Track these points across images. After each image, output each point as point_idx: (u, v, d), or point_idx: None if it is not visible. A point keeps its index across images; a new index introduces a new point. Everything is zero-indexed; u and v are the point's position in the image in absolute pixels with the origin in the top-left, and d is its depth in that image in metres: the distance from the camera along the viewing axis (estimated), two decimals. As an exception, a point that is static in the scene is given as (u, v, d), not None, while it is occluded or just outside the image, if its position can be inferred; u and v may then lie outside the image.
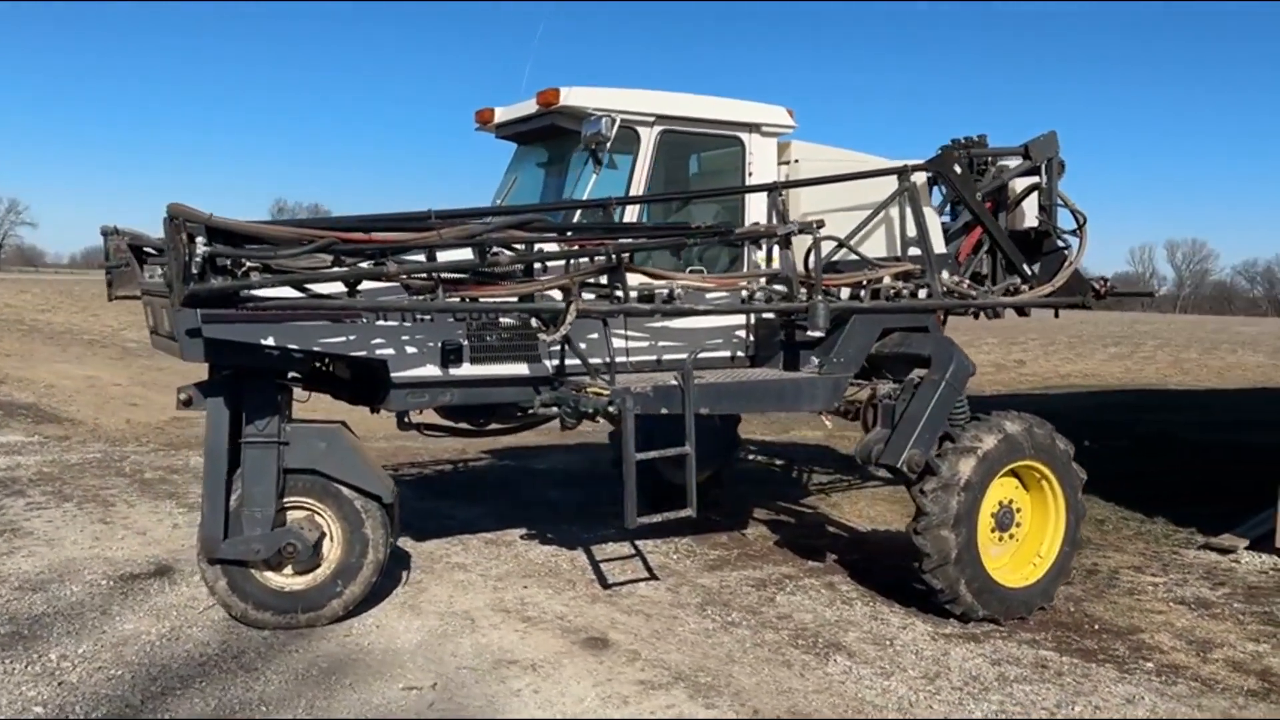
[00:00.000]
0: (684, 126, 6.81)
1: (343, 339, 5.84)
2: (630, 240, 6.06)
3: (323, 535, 6.16)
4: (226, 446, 5.93)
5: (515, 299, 5.83)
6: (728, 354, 7.18)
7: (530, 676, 5.53)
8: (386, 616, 6.39)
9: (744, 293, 6.62)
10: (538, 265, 5.91)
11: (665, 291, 6.24)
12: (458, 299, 5.68)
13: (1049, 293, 7.75)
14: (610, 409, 5.84)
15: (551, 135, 6.99)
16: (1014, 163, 7.92)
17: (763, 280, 6.70)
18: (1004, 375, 28.06)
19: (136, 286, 6.38)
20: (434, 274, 5.54)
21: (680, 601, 6.89)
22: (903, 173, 7.16)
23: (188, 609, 6.45)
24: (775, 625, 6.47)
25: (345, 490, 6.14)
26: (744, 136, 7.04)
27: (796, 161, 7.28)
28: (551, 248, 6.00)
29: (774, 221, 6.68)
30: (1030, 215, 8.09)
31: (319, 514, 6.17)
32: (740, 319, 7.14)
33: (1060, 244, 8.00)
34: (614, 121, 6.28)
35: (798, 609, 6.80)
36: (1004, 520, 6.79)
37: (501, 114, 7.25)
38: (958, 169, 7.46)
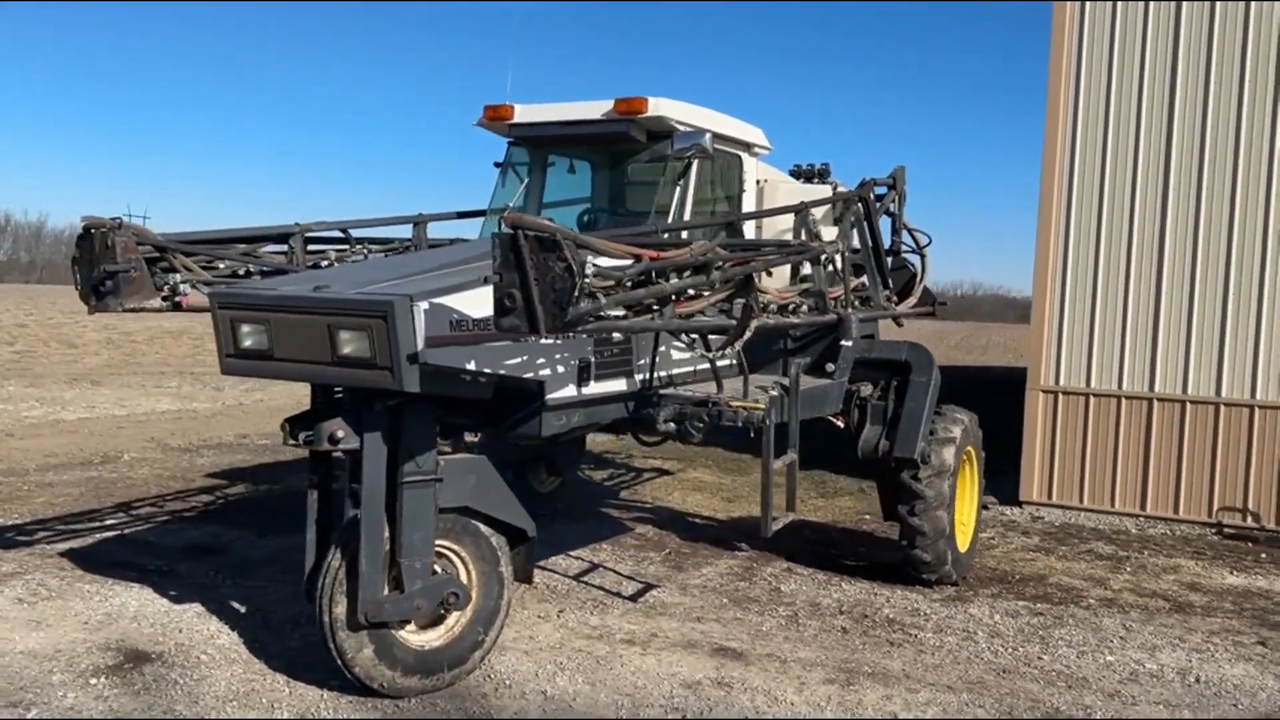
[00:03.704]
0: (719, 144, 7.00)
1: (518, 360, 5.31)
2: (771, 255, 6.21)
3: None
4: (385, 491, 5.07)
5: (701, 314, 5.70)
6: (729, 363, 7.49)
7: (742, 693, 5.56)
8: (501, 663, 5.83)
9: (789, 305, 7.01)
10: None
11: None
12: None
13: (914, 304, 9.14)
14: (766, 422, 5.99)
15: (609, 143, 6.75)
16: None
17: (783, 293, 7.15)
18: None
19: (148, 296, 5.17)
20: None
21: (718, 604, 7.12)
22: (859, 199, 8.02)
23: (264, 691, 5.34)
24: (823, 612, 7.01)
25: (483, 527, 5.53)
26: (743, 155, 7.40)
27: (766, 181, 7.80)
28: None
29: (803, 238, 7.16)
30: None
31: (454, 556, 5.48)
32: None
33: (905, 263, 9.41)
34: (712, 137, 6.35)
35: (815, 595, 7.39)
36: (948, 497, 8.00)
37: (528, 113, 6.80)
38: (871, 196, 8.50)
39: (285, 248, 6.32)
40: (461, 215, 7.50)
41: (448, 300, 4.78)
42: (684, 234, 6.32)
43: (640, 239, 5.20)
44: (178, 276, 5.49)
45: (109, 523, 8.83)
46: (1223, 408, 9.86)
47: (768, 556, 8.42)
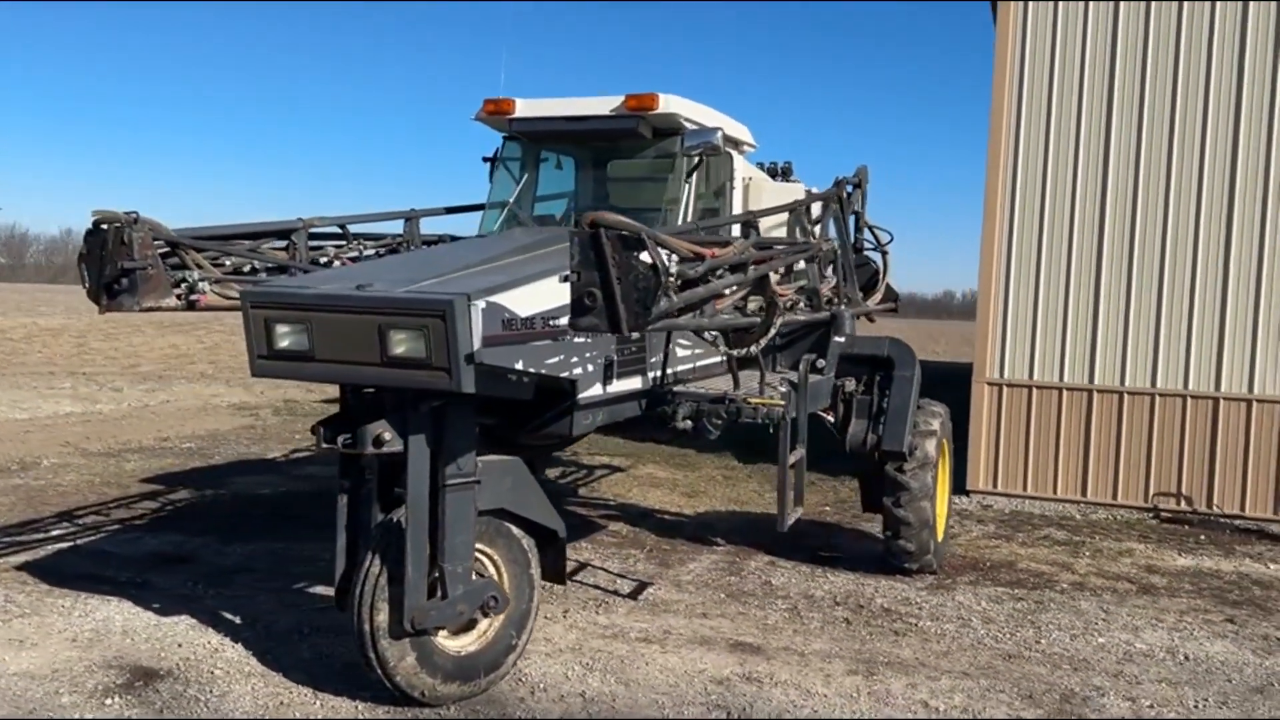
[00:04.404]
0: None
1: (557, 359, 5.24)
2: (783, 254, 6.25)
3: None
4: (429, 494, 4.93)
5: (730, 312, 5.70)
6: (718, 359, 7.51)
7: (774, 687, 5.61)
8: (527, 667, 5.73)
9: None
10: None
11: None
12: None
13: (879, 300, 9.34)
14: (786, 418, 6.04)
15: (614, 139, 6.69)
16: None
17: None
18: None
19: (164, 295, 4.96)
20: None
21: (716, 599, 7.15)
22: (835, 199, 8.15)
23: (294, 705, 5.17)
24: (820, 604, 7.11)
25: (515, 529, 5.44)
26: (734, 153, 7.43)
27: (751, 179, 7.84)
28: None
29: (798, 236, 7.24)
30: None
31: (487, 559, 5.37)
32: None
33: (868, 259, 9.60)
34: (724, 135, 6.37)
35: (806, 588, 7.49)
36: (924, 488, 8.20)
37: (530, 107, 6.69)
38: (845, 194, 8.65)
39: (283, 243, 6.07)
40: (450, 210, 7.34)
41: (500, 298, 4.68)
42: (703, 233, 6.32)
43: (688, 237, 5.17)
44: (194, 274, 5.22)
45: (55, 533, 8.36)
46: (1158, 398, 10.36)
47: (747, 551, 8.50)
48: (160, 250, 5.15)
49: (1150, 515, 10.28)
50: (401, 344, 4.55)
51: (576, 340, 5.38)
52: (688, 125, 6.55)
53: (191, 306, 5.25)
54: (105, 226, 5.00)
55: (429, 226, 7.36)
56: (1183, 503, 10.31)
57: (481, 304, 4.55)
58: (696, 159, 6.50)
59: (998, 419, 10.88)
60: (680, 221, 6.48)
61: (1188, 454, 10.29)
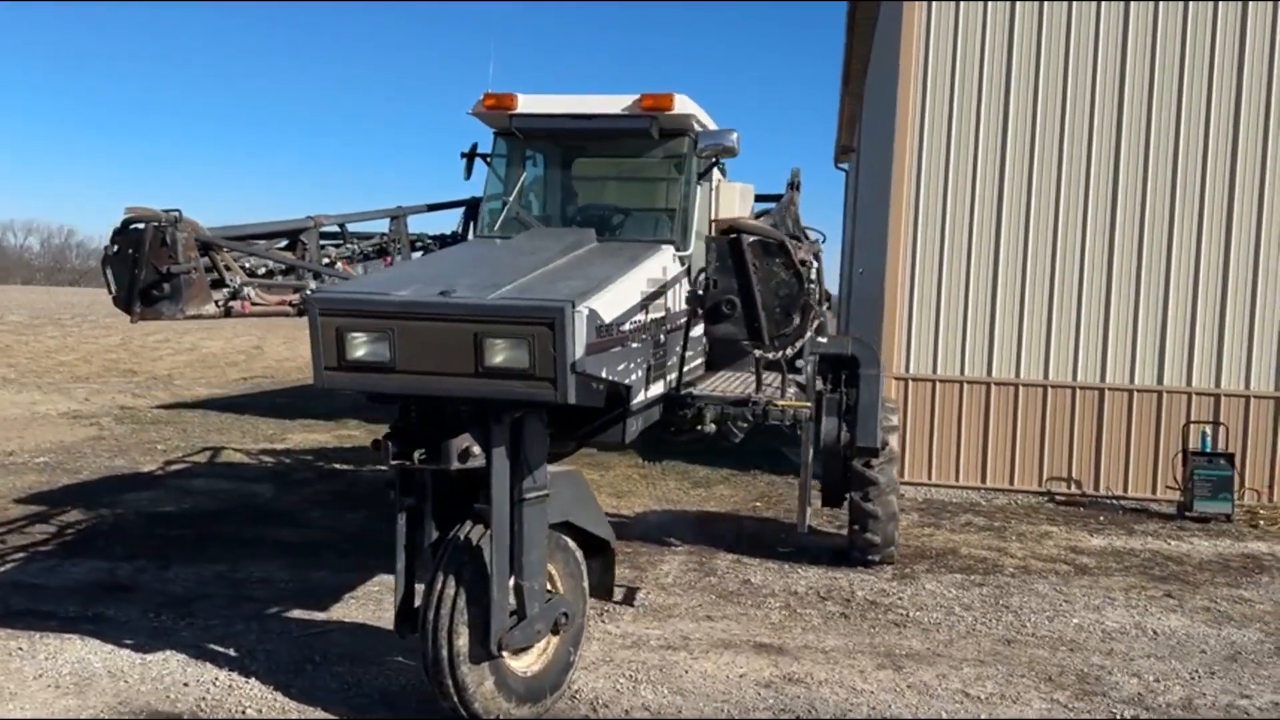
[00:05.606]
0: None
1: (623, 365, 5.10)
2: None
3: None
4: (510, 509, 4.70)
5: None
6: (702, 361, 7.51)
7: (820, 686, 5.67)
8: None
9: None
10: None
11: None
12: None
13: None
14: (812, 418, 6.10)
15: (622, 138, 6.52)
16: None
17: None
18: (254, 363, 27.57)
19: (205, 301, 4.60)
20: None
21: (708, 601, 7.15)
22: (791, 202, 8.27)
23: (356, 742, 4.79)
24: (809, 601, 7.23)
25: (570, 541, 5.27)
26: (715, 153, 7.43)
27: (720, 182, 7.87)
28: None
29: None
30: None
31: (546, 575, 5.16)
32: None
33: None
34: (739, 136, 6.36)
35: (786, 584, 7.59)
36: (878, 482, 8.47)
37: (533, 104, 6.44)
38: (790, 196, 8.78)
39: (284, 243, 5.63)
40: (432, 208, 7.01)
41: (593, 304, 4.51)
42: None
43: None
44: (236, 279, 4.74)
45: (-49, 565, 7.44)
46: (1049, 389, 11.08)
47: (707, 550, 8.53)
48: (193, 252, 4.67)
49: (1046, 499, 11.00)
50: (501, 353, 4.31)
51: (633, 345, 5.26)
52: (696, 127, 6.50)
53: (228, 313, 4.78)
54: (141, 226, 4.47)
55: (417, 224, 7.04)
56: (1073, 486, 11.08)
57: (585, 310, 4.37)
58: (710, 160, 6.46)
59: (904, 412, 11.34)
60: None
61: (1077, 440, 11.06)
